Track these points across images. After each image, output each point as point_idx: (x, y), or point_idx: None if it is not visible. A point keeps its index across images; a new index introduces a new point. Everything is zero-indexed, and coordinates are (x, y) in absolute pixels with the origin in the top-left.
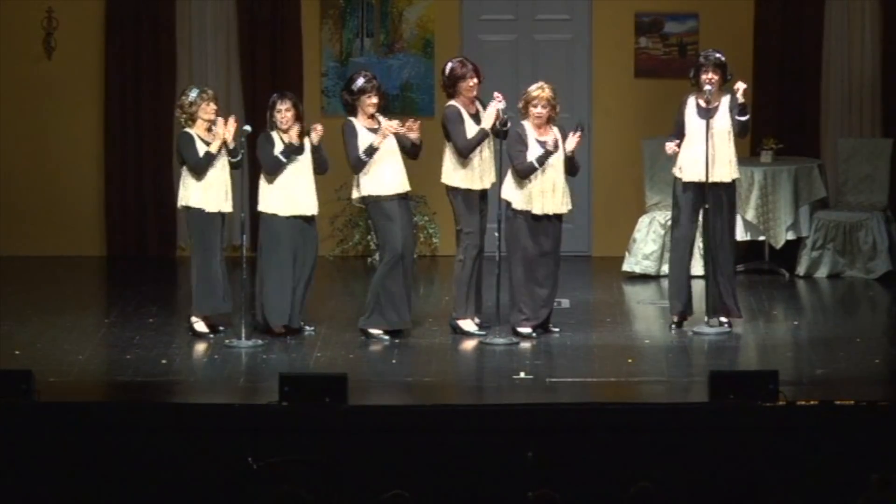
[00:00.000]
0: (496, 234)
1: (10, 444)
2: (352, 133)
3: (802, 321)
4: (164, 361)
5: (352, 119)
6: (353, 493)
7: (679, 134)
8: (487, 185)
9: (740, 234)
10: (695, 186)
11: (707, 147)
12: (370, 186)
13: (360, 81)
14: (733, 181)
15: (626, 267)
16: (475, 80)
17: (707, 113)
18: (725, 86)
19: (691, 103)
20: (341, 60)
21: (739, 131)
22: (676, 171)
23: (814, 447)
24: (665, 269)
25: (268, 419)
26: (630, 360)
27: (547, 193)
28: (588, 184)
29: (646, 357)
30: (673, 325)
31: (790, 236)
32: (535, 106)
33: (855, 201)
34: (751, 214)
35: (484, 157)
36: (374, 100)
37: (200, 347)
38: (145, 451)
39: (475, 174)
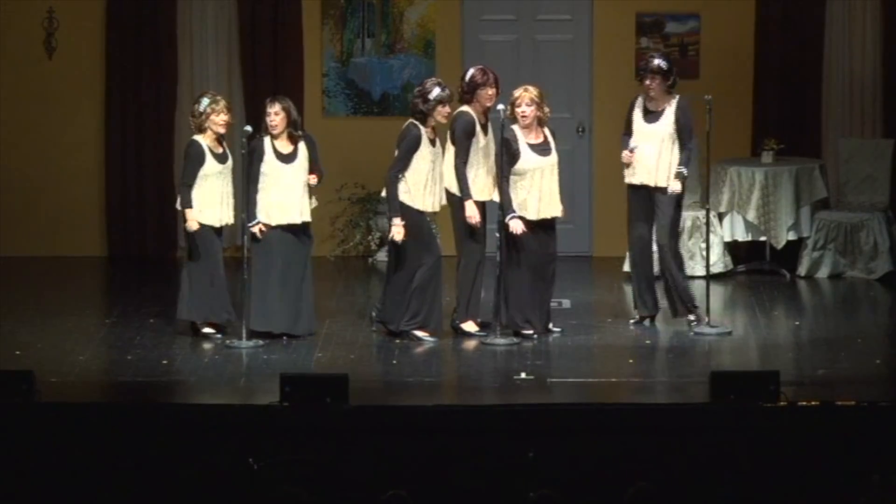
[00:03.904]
0: (497, 234)
1: (11, 445)
2: (414, 142)
3: (803, 321)
4: (164, 362)
5: (419, 126)
6: (353, 493)
7: (629, 132)
8: (490, 197)
9: (741, 235)
10: (640, 188)
11: (658, 151)
12: (409, 198)
13: (437, 91)
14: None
15: (626, 267)
16: (494, 91)
17: (651, 117)
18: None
19: (638, 105)
20: (342, 61)
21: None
22: (625, 174)
23: (815, 448)
24: None
25: (269, 419)
26: (631, 361)
27: (544, 198)
28: (589, 184)
29: (647, 357)
30: (632, 323)
31: (791, 237)
32: (519, 105)
33: (856, 202)
34: (752, 215)
35: (488, 168)
36: (448, 110)
37: (201, 348)
38: (146, 452)
39: (479, 185)
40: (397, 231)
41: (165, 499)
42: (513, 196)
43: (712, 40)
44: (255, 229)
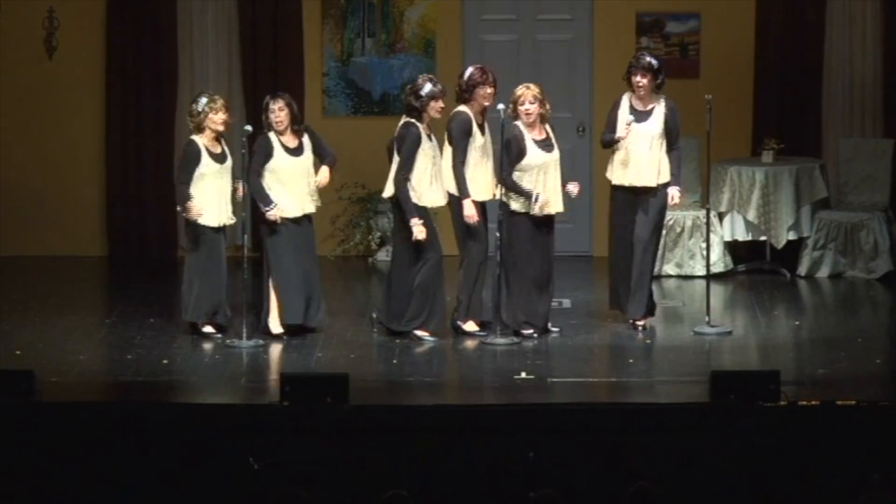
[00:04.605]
0: (497, 233)
1: (12, 444)
2: (415, 142)
3: (804, 321)
4: (165, 361)
5: (417, 124)
6: (353, 493)
7: (612, 132)
8: (490, 196)
9: (742, 235)
10: (629, 190)
11: (649, 150)
12: (414, 196)
13: (429, 87)
14: (660, 186)
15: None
16: (492, 90)
17: (639, 116)
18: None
19: (624, 104)
20: (342, 60)
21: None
22: (608, 174)
23: (815, 447)
24: (666, 268)
25: (269, 419)
26: (631, 361)
27: (548, 193)
28: (589, 183)
29: (647, 357)
30: (640, 328)
31: (791, 236)
32: (523, 104)
33: (856, 201)
34: (752, 214)
35: (487, 168)
36: (442, 104)
37: (202, 347)
38: (146, 451)
39: (479, 185)
40: (419, 231)
41: (165, 499)
42: (517, 196)
43: (712, 40)
44: (274, 213)
